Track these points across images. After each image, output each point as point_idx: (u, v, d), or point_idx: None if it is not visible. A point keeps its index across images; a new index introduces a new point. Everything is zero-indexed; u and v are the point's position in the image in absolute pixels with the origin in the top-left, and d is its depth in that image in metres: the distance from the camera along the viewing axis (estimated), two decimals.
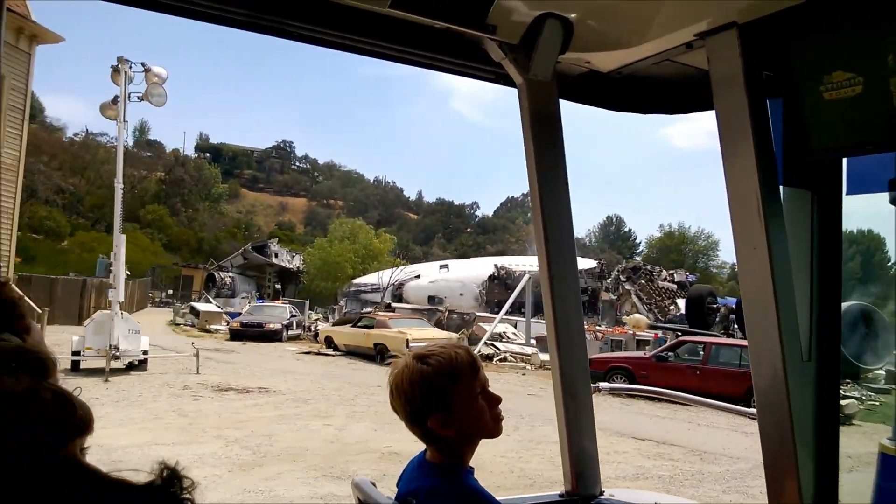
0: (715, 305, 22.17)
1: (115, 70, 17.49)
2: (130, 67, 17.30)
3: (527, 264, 51.94)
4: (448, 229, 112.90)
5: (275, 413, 12.12)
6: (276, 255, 52.50)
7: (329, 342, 24.45)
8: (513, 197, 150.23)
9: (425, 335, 21.60)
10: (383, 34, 1.87)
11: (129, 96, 17.65)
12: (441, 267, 51.04)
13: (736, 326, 21.29)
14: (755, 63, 1.64)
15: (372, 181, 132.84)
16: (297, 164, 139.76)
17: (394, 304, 40.08)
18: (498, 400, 1.49)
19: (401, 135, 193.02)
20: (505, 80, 2.09)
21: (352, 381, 16.99)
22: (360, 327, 23.51)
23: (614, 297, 46.85)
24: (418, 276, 49.92)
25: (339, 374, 18.23)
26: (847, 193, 1.90)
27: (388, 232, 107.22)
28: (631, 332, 21.91)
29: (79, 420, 0.75)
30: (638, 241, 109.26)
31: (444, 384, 1.44)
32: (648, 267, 49.36)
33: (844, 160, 1.89)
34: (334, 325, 27.26)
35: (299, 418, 11.72)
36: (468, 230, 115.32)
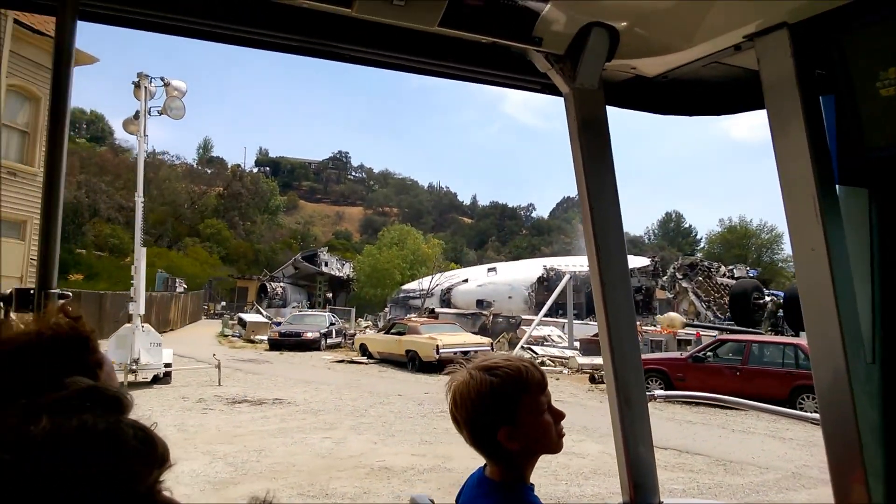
0: (762, 301, 20.68)
1: (136, 86, 17.69)
2: (151, 82, 17.44)
3: (576, 264, 50.76)
4: (502, 232, 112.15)
5: (278, 426, 11.77)
6: (326, 264, 52.94)
7: (364, 350, 24.17)
8: (569, 197, 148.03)
9: (456, 340, 21.03)
10: (432, 51, 1.90)
11: (150, 111, 17.81)
12: (489, 270, 50.35)
13: (784, 323, 19.89)
14: (807, 62, 1.61)
15: (426, 187, 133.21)
16: (353, 173, 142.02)
17: (440, 310, 39.69)
18: (562, 416, 1.49)
19: (454, 141, 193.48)
20: (551, 89, 2.10)
21: (374, 390, 16.57)
22: (392, 334, 23.12)
23: (671, 296, 45.30)
24: (466, 280, 49.43)
25: (363, 384, 17.84)
26: None
27: (441, 237, 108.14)
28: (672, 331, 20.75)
29: (159, 455, 0.77)
30: (699, 237, 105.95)
31: (514, 396, 1.44)
32: (706, 263, 47.49)
33: None
34: (378, 332, 26.98)
35: (300, 431, 11.32)
36: (523, 232, 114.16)
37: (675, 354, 17.43)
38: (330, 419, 12.58)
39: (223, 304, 50.54)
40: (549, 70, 2.01)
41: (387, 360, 22.62)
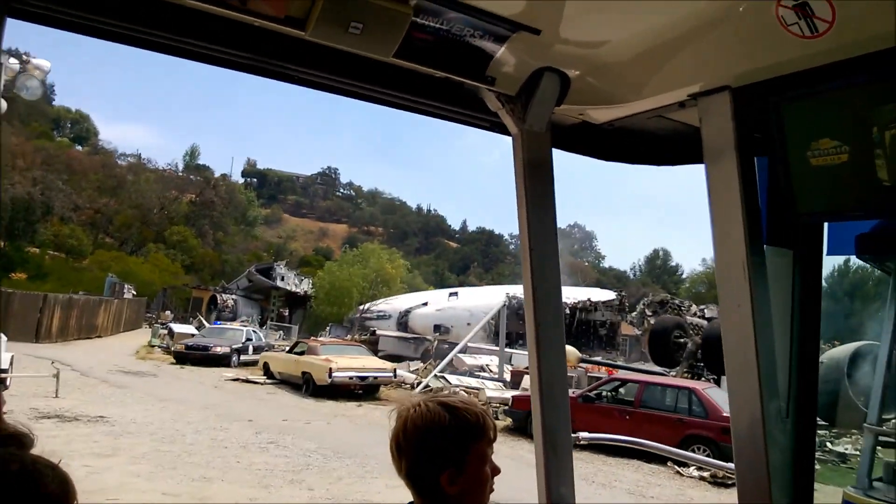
0: (682, 340, 18.87)
1: None
2: (8, 59, 15.77)
3: None
4: (486, 258, 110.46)
5: (58, 447, 9.85)
6: (283, 278, 50.95)
7: (266, 369, 22.22)
8: (560, 228, 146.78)
9: (353, 364, 19.14)
10: (385, 81, 1.91)
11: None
12: (450, 295, 48.40)
13: (703, 365, 18.13)
14: (746, 125, 1.69)
15: (414, 209, 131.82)
16: (342, 190, 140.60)
17: (381, 332, 37.89)
18: (498, 471, 1.49)
19: (452, 164, 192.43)
20: (500, 129, 2.12)
21: (230, 413, 14.60)
22: (295, 353, 21.20)
23: (639, 332, 43.68)
24: (426, 304, 47.58)
25: (229, 406, 15.86)
26: (828, 254, 1.91)
27: (425, 259, 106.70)
28: (583, 367, 18.89)
29: (73, 496, 0.76)
30: (684, 275, 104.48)
31: (467, 440, 1.43)
32: (677, 301, 45.72)
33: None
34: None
35: (75, 454, 9.44)
36: (507, 259, 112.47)
37: (569, 393, 15.58)
38: (127, 443, 10.73)
39: (168, 313, 48.38)
40: (499, 109, 2.03)
41: (287, 382, 20.67)
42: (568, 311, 47.84)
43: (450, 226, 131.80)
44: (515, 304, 46.66)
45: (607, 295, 46.65)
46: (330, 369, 18.52)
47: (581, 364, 19.11)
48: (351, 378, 18.72)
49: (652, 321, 42.62)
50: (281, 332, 43.79)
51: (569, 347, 15.81)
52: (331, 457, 10.88)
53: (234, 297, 50.31)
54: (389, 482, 9.42)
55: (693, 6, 1.59)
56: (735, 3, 1.55)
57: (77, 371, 19.53)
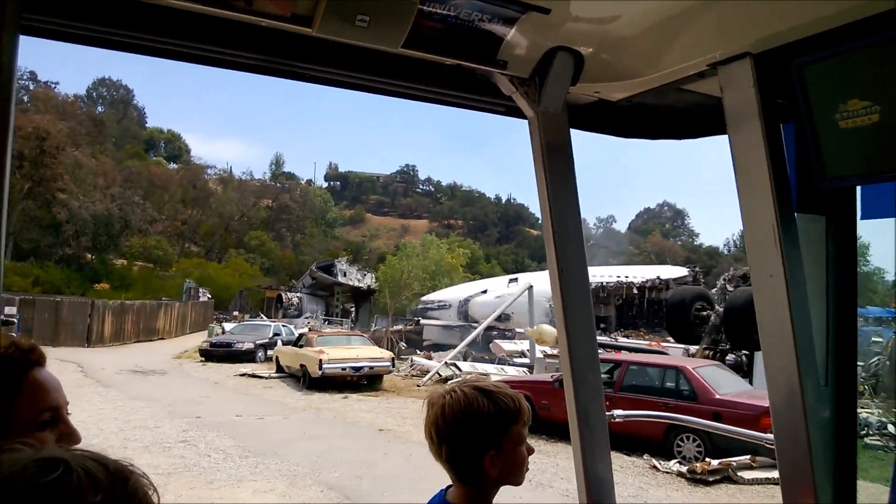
0: (704, 313, 16.46)
1: None
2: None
3: (609, 275, 46.67)
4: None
5: None
6: (345, 274, 50.95)
7: (277, 363, 21.67)
8: (649, 208, 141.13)
9: (347, 354, 18.13)
10: (395, 72, 1.90)
11: None
12: (510, 281, 46.76)
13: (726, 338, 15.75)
14: (769, 91, 1.65)
15: (493, 199, 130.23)
16: (421, 187, 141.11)
17: (425, 321, 37.10)
18: (532, 451, 1.55)
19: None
20: (515, 112, 2.11)
21: (185, 412, 13.87)
22: (298, 346, 20.48)
23: (719, 309, 40.40)
24: (485, 292, 46.23)
25: (197, 403, 15.21)
26: (861, 218, 1.91)
27: (505, 248, 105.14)
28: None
29: None
30: None
31: (505, 423, 1.49)
32: None
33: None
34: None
35: None
36: (590, 243, 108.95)
37: (545, 377, 13.75)
38: None
39: (236, 313, 49.57)
40: (513, 93, 2.02)
41: (293, 375, 20.00)
42: (636, 291, 45.14)
43: (532, 213, 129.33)
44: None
45: (678, 271, 43.52)
46: (320, 361, 17.62)
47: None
48: (344, 369, 17.73)
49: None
50: (339, 326, 43.76)
51: (547, 327, 14.07)
52: (234, 457, 9.86)
53: (298, 294, 50.87)
54: (261, 487, 8.27)
55: None
56: None
57: (83, 372, 19.65)
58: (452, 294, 48.69)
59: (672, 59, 1.79)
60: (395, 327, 37.04)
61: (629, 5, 1.69)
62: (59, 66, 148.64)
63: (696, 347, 16.53)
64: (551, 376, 13.22)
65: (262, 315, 44.68)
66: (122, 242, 58.78)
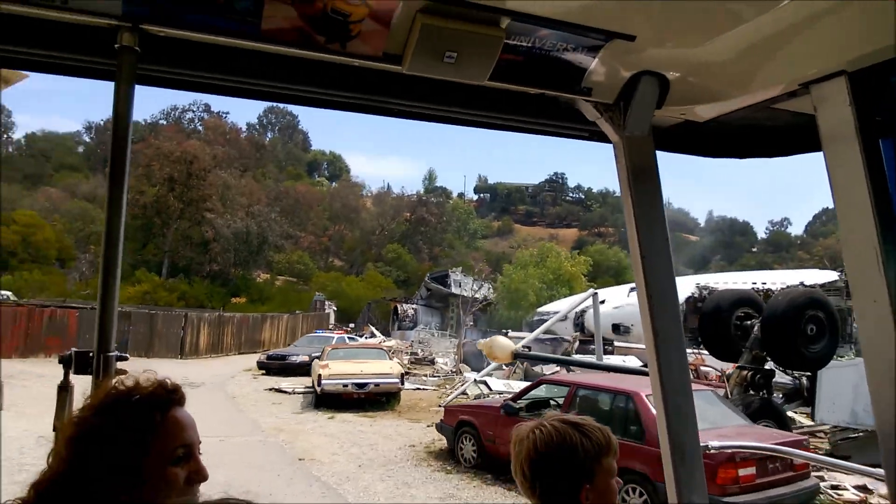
0: (749, 322, 12.81)
1: None
2: None
3: (743, 282, 41.29)
4: (730, 249, 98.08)
5: None
6: (459, 285, 49.87)
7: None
8: (829, 208, 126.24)
9: (348, 370, 16.72)
10: (480, 104, 1.94)
11: None
12: (631, 290, 42.81)
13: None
14: (866, 108, 1.61)
15: None
16: (571, 195, 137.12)
17: (513, 333, 34.64)
18: (620, 484, 1.55)
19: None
20: (600, 137, 2.11)
21: None
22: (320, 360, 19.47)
23: None
24: (603, 302, 42.74)
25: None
26: None
27: None
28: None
29: None
30: None
31: (598, 456, 1.50)
32: None
33: None
34: None
35: None
36: (753, 249, 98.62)
37: (492, 402, 11.26)
38: None
39: (351, 325, 50.30)
40: (598, 119, 2.02)
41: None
42: None
43: (693, 219, 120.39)
44: (707, 296, 39.87)
45: (826, 276, 37.17)
46: (319, 376, 16.44)
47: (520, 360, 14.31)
48: (345, 385, 16.38)
49: None
50: (447, 337, 42.71)
51: (501, 339, 11.59)
52: None
53: (414, 306, 50.65)
54: None
55: None
56: None
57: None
58: (565, 305, 45.77)
59: (763, 79, 1.78)
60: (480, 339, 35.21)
61: (718, 30, 1.66)
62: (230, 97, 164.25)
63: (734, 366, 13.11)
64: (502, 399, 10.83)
65: (369, 327, 44.83)
66: (261, 258, 62.38)
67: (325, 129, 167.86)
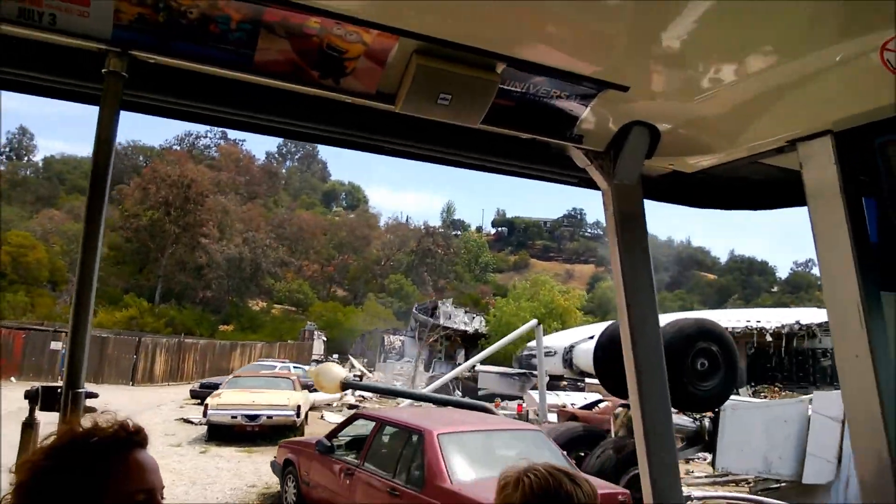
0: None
1: None
2: None
3: (738, 319, 39.08)
4: (747, 289, 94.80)
5: None
6: (449, 317, 48.08)
7: None
8: None
9: (238, 400, 15.15)
10: (472, 146, 1.95)
11: None
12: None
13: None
14: (850, 167, 1.66)
15: (664, 240, 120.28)
16: (589, 231, 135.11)
17: (482, 368, 32.88)
18: None
19: None
20: (589, 184, 2.14)
21: None
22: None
23: None
24: (591, 338, 40.67)
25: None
26: None
27: (673, 295, 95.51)
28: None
29: None
30: None
31: None
32: None
33: None
34: None
35: None
36: (773, 289, 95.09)
37: (310, 438, 9.56)
38: None
39: (335, 356, 48.70)
40: (588, 166, 2.04)
41: None
42: (769, 338, 37.04)
43: (714, 256, 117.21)
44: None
45: (824, 315, 34.70)
46: (206, 406, 14.89)
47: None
48: (234, 417, 14.78)
49: None
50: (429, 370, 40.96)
51: (331, 367, 9.89)
52: None
53: (402, 337, 48.90)
54: None
55: (791, 57, 1.55)
56: (836, 52, 1.50)
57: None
58: (559, 340, 43.68)
59: (751, 135, 1.82)
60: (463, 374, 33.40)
61: (711, 86, 1.69)
62: None
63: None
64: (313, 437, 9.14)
65: (350, 359, 43.18)
66: (255, 285, 61.45)
67: (351, 160, 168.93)
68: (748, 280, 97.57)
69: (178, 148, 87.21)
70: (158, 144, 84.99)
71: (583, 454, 10.44)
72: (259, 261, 59.11)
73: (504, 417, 9.82)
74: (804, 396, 12.76)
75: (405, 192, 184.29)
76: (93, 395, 1.45)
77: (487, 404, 7.27)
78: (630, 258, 2.05)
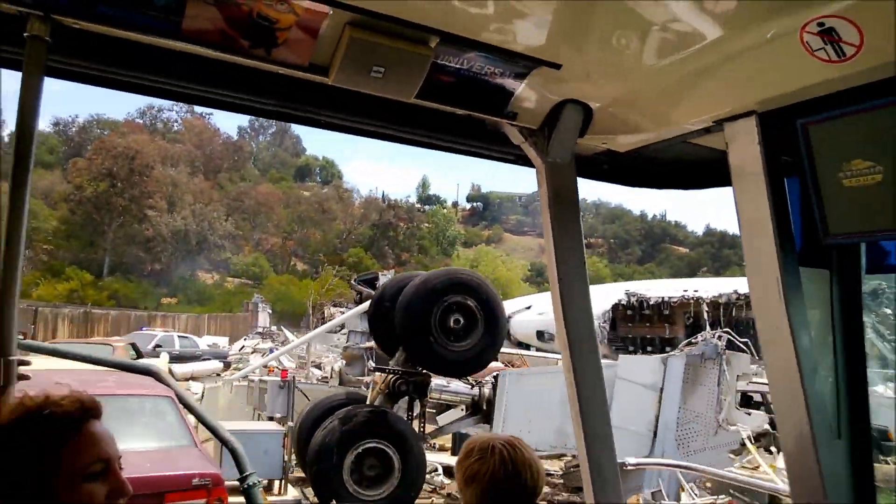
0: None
1: None
2: None
3: (675, 289, 38.57)
4: (717, 261, 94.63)
5: None
6: None
7: None
8: None
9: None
10: (408, 121, 1.97)
11: None
12: None
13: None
14: (774, 148, 1.70)
15: (637, 215, 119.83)
16: None
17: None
18: None
19: None
20: (525, 161, 2.17)
21: None
22: None
23: None
24: (528, 308, 40.13)
25: None
26: (866, 273, 1.89)
27: (643, 269, 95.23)
28: None
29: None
30: None
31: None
32: None
33: None
34: None
35: None
36: (743, 262, 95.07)
37: None
38: None
39: (275, 327, 48.13)
40: (522, 143, 2.09)
41: None
42: (706, 307, 36.60)
43: (690, 231, 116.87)
44: (635, 303, 37.43)
45: None
46: None
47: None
48: None
49: None
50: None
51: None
52: None
53: (341, 309, 48.27)
54: None
55: (716, 36, 1.58)
56: (759, 33, 1.54)
57: None
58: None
59: (680, 114, 1.87)
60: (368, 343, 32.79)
61: (641, 65, 1.73)
62: None
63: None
64: None
65: (283, 331, 42.56)
66: (202, 258, 60.57)
67: (330, 137, 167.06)
68: (718, 253, 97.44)
69: (141, 121, 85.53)
70: (123, 118, 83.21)
71: None
72: (205, 233, 58.05)
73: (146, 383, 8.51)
74: (613, 361, 12.02)
75: (387, 168, 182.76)
76: (25, 363, 1.43)
77: (156, 367, 6.42)
78: (562, 234, 2.08)
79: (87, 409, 1.26)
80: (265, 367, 14.14)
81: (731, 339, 11.49)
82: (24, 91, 1.45)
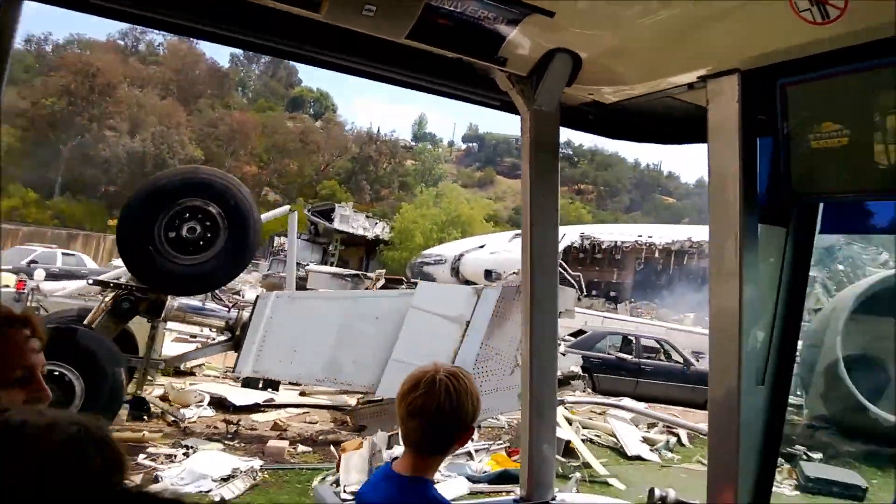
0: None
1: None
2: None
3: (629, 233, 36.96)
4: (703, 213, 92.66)
5: None
6: (347, 221, 45.59)
7: None
8: None
9: None
10: (397, 62, 1.97)
11: None
12: (515, 236, 38.57)
13: None
14: (752, 106, 1.72)
15: (631, 164, 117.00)
16: (561, 150, 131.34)
17: (323, 269, 30.90)
18: None
19: None
20: (510, 108, 2.20)
21: None
22: None
23: None
24: (482, 247, 38.62)
25: None
26: (820, 232, 1.91)
27: (629, 217, 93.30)
28: None
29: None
30: None
31: (478, 407, 1.65)
32: None
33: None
34: None
35: None
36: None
37: None
38: None
39: None
40: (510, 89, 2.12)
41: None
42: (658, 254, 35.00)
43: (683, 182, 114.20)
44: (588, 246, 35.83)
45: None
46: None
47: None
48: None
49: None
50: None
51: None
52: None
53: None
54: None
55: None
56: None
57: None
58: (452, 249, 41.87)
59: (666, 69, 1.90)
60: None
61: (632, 15, 1.74)
62: None
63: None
64: None
65: None
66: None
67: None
68: (704, 204, 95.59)
69: (123, 43, 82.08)
70: (106, 38, 79.74)
71: None
72: (164, 157, 55.80)
73: None
74: (409, 290, 10.40)
75: (395, 109, 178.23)
76: None
77: None
78: (540, 182, 2.20)
79: (10, 320, 1.29)
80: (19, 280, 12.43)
81: (561, 271, 9.92)
82: (3, 15, 1.44)
